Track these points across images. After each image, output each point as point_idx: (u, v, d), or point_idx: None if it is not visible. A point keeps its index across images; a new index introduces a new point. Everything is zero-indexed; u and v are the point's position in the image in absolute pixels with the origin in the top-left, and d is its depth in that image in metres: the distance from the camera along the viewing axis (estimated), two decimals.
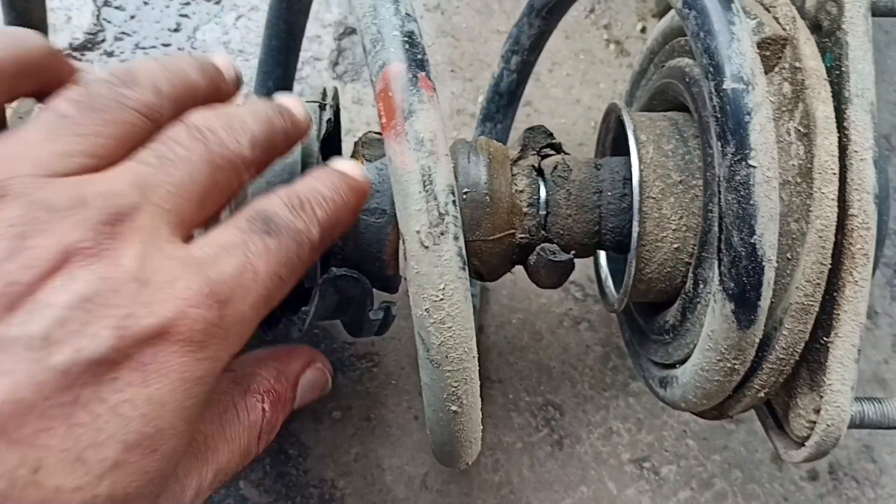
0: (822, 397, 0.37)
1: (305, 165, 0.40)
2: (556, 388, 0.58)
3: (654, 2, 0.67)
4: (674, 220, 0.40)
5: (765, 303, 0.33)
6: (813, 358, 0.37)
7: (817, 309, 0.36)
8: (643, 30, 0.67)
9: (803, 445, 0.39)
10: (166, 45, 0.63)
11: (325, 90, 0.44)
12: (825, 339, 0.37)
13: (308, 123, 0.37)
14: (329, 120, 0.42)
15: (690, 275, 0.40)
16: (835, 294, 0.36)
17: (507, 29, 0.54)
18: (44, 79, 0.32)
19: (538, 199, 0.42)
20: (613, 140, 0.46)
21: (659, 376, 0.44)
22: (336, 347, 0.57)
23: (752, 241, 0.32)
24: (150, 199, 0.29)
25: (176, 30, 0.63)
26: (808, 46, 0.37)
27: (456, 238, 0.31)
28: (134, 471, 0.27)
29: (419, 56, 0.32)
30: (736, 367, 0.36)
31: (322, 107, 0.42)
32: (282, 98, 0.37)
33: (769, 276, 0.33)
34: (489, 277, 0.44)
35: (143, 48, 0.63)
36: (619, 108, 0.43)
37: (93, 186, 0.28)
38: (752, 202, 0.32)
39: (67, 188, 0.27)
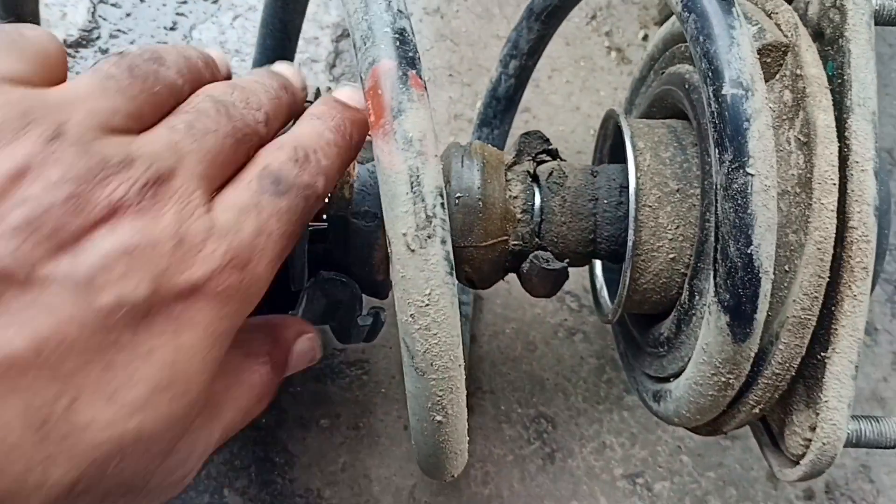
0: (818, 414, 0.36)
1: None
2: (549, 400, 0.57)
3: (657, 9, 0.67)
4: (670, 230, 0.39)
5: (761, 316, 0.32)
6: (809, 374, 0.37)
7: (814, 323, 0.35)
8: (645, 37, 0.66)
9: (798, 464, 0.38)
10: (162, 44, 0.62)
11: (318, 90, 0.44)
12: (822, 354, 0.36)
13: (304, 94, 0.39)
14: None
15: (686, 286, 0.39)
16: (833, 308, 0.35)
17: (507, 34, 0.53)
18: None
19: (532, 205, 0.41)
20: (611, 147, 0.46)
21: (653, 390, 0.43)
22: (325, 354, 0.56)
23: (749, 251, 0.31)
24: (185, 163, 0.31)
25: (172, 28, 0.63)
26: (809, 54, 0.36)
27: (443, 242, 0.31)
28: (161, 412, 0.29)
29: (410, 53, 0.31)
30: (730, 381, 0.35)
31: None
32: (282, 67, 0.39)
33: (766, 288, 0.32)
34: (481, 285, 0.43)
35: None
36: (617, 115, 0.42)
37: (138, 147, 0.30)
38: (749, 211, 0.31)
39: (118, 145, 0.29)
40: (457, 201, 0.39)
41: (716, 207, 0.32)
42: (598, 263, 0.49)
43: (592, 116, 0.64)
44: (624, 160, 0.40)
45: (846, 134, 0.35)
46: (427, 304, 0.31)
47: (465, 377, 0.33)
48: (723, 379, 0.35)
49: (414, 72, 0.31)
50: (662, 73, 0.45)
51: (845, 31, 0.36)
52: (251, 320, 0.38)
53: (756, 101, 0.31)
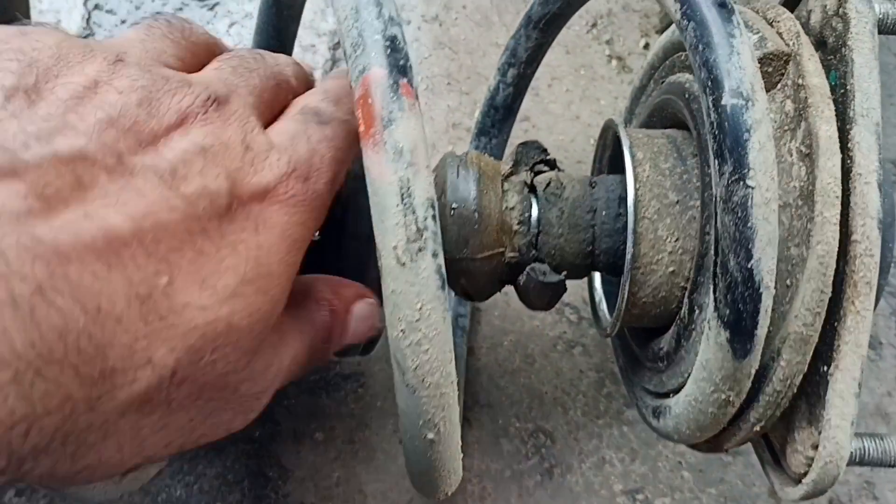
0: (820, 433, 0.35)
1: None
2: (548, 415, 0.56)
3: (658, 18, 0.66)
4: (670, 243, 0.38)
5: (762, 331, 0.31)
6: (812, 391, 0.36)
7: (817, 339, 0.35)
8: (646, 46, 0.66)
9: (800, 483, 0.37)
10: None
11: None
12: (825, 370, 0.35)
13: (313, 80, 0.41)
14: None
15: (686, 300, 0.38)
16: (835, 324, 0.34)
17: (506, 42, 0.53)
18: None
19: (529, 216, 0.40)
20: (610, 158, 0.45)
21: (652, 405, 0.42)
22: (320, 367, 0.56)
23: (749, 265, 0.30)
24: (238, 92, 0.33)
25: None
26: (811, 63, 0.35)
27: (435, 255, 0.30)
28: (248, 303, 0.30)
29: (402, 62, 0.30)
30: (730, 398, 0.34)
31: None
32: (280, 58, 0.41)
33: (767, 303, 0.31)
34: (478, 297, 0.42)
35: None
36: (616, 125, 0.41)
37: (192, 77, 0.32)
38: (749, 225, 0.30)
39: (174, 72, 0.32)
40: (452, 212, 0.39)
41: (715, 220, 0.31)
42: (597, 276, 0.48)
43: (592, 125, 0.63)
44: (623, 171, 0.39)
45: (849, 145, 0.34)
46: (418, 319, 0.30)
47: (460, 392, 0.32)
48: (723, 396, 0.34)
49: (405, 80, 0.30)
50: (662, 82, 0.45)
51: (848, 40, 0.35)
52: (312, 276, 0.40)
53: (756, 111, 0.30)
